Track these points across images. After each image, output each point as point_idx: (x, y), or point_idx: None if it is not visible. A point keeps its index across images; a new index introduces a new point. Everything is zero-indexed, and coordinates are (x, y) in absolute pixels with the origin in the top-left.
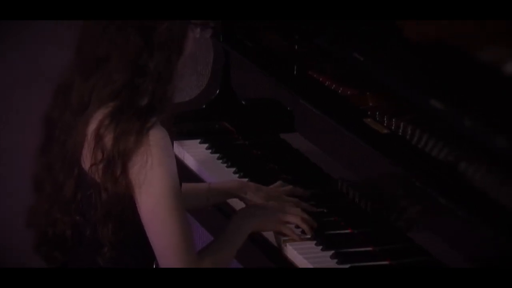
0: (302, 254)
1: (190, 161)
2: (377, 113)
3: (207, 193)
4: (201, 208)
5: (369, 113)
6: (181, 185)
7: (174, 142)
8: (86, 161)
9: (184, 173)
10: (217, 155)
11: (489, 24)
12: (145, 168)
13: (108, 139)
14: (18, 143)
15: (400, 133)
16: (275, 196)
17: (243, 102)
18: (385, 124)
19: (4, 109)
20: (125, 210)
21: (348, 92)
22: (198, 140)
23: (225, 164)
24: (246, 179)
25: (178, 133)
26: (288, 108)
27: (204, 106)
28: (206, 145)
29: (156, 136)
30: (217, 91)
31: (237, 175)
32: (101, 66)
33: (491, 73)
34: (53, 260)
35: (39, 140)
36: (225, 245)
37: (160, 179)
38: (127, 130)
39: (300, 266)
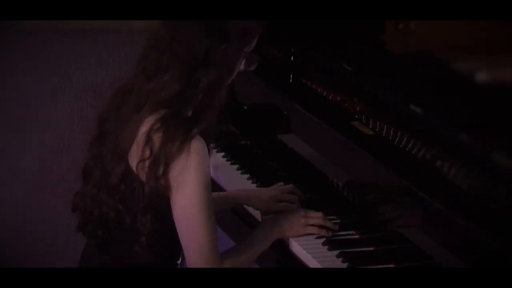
0: (297, 242)
1: None
2: (364, 116)
3: (215, 201)
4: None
5: (356, 116)
6: None
7: None
8: (133, 159)
9: None
10: (222, 153)
11: (465, 34)
12: (183, 172)
13: (156, 142)
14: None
15: (383, 134)
16: (276, 196)
17: (245, 107)
18: (370, 127)
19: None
20: (163, 205)
21: (338, 98)
22: None
23: (229, 162)
24: (247, 175)
25: None
26: (285, 112)
27: None
28: (212, 145)
29: (197, 145)
30: None
31: (239, 171)
32: (161, 73)
33: (465, 80)
34: (96, 238)
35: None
36: (248, 251)
37: (194, 182)
38: (173, 137)
39: (296, 253)
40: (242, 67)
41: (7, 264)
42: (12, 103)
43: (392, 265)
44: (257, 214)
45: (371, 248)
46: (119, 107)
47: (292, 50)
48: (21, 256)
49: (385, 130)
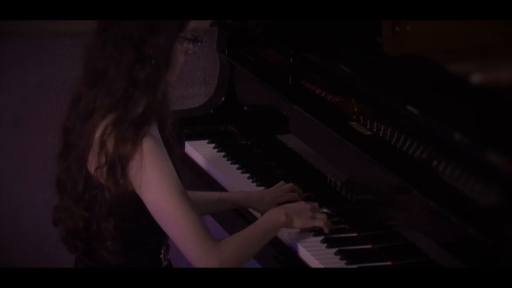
0: (295, 240)
1: (199, 159)
2: (361, 117)
3: (217, 202)
4: (213, 214)
5: (354, 117)
6: (181, 177)
7: (186, 142)
8: (92, 165)
9: (194, 169)
10: (222, 153)
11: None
12: (141, 172)
13: (110, 146)
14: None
15: (380, 135)
16: (278, 197)
17: (245, 108)
18: (367, 127)
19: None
20: (126, 207)
21: (336, 99)
22: (207, 141)
23: (230, 162)
24: (247, 175)
25: (189, 134)
26: (284, 113)
27: (211, 111)
28: (213, 145)
29: (148, 144)
30: (223, 98)
31: (240, 171)
32: (102, 78)
33: (461, 82)
34: (76, 249)
35: (57, 147)
36: (252, 239)
37: (157, 180)
38: (124, 138)
39: (294, 250)
40: (190, 50)
41: (7, 264)
42: (13, 104)
43: (389, 263)
44: (257, 213)
45: (369, 246)
46: (75, 117)
47: (291, 52)
48: (22, 256)
49: (382, 130)
